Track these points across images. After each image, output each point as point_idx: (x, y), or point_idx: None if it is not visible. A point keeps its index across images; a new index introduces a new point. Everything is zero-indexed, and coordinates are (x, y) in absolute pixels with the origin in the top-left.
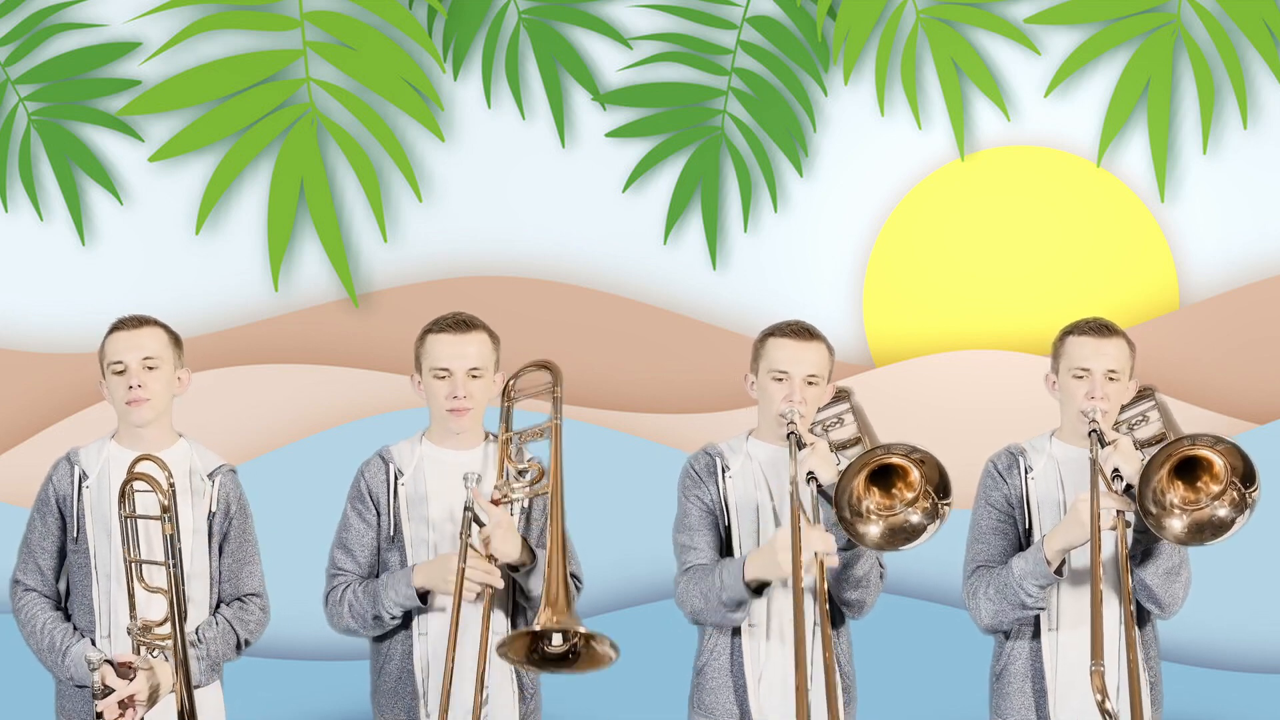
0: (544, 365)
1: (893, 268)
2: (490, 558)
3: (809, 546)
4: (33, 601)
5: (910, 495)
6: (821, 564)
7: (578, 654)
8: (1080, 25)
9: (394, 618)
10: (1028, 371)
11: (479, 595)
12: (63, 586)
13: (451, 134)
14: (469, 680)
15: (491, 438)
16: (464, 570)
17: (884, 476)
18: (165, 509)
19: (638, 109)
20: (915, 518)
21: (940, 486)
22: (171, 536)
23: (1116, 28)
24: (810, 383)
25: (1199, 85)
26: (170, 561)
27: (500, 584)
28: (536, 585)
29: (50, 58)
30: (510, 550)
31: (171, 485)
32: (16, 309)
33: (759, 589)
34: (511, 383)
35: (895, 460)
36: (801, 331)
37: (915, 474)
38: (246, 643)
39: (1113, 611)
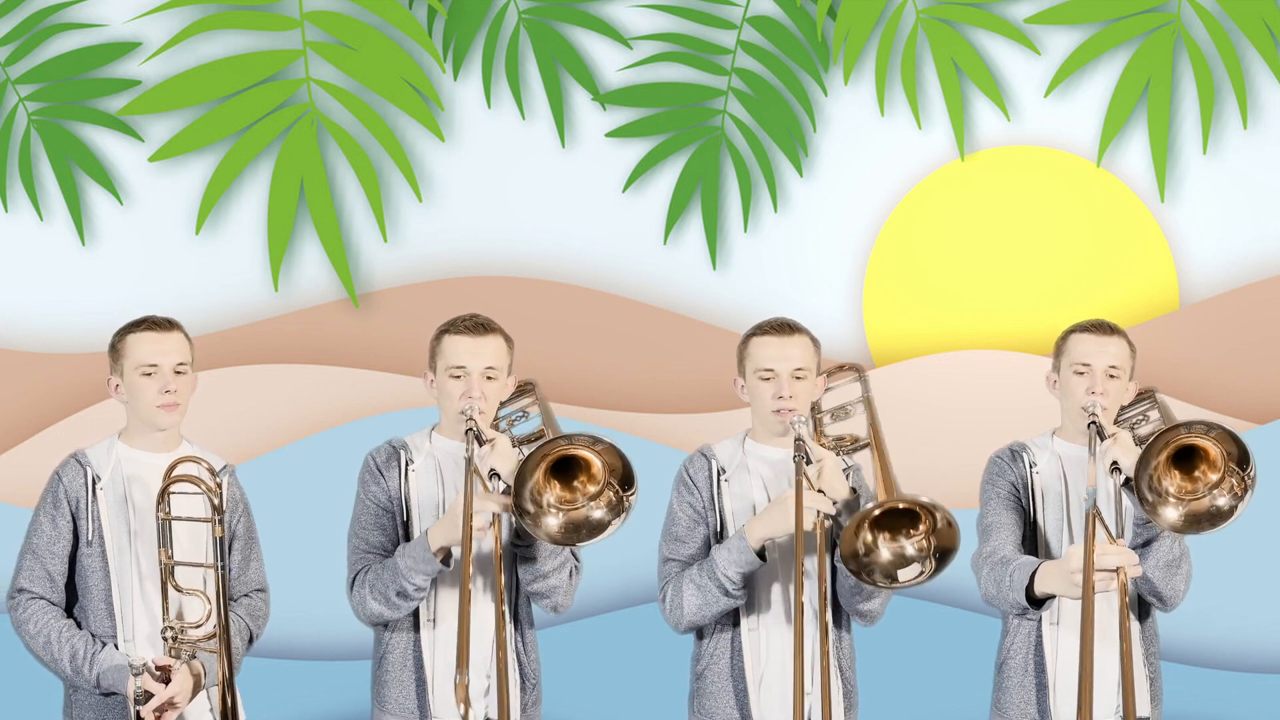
0: (524, 387)
1: (893, 268)
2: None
3: (812, 507)
4: (42, 610)
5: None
6: (823, 525)
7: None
8: (1080, 25)
9: (418, 589)
10: (1028, 371)
11: (490, 524)
12: (69, 592)
13: (451, 134)
14: (475, 669)
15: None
16: (472, 503)
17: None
18: (217, 509)
19: (638, 109)
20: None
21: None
22: (221, 539)
23: (1116, 28)
24: (797, 377)
25: (1199, 85)
26: (219, 564)
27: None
28: (545, 563)
29: (50, 58)
30: (507, 467)
31: (219, 486)
32: (16, 309)
33: (762, 553)
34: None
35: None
36: (782, 327)
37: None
38: (256, 636)
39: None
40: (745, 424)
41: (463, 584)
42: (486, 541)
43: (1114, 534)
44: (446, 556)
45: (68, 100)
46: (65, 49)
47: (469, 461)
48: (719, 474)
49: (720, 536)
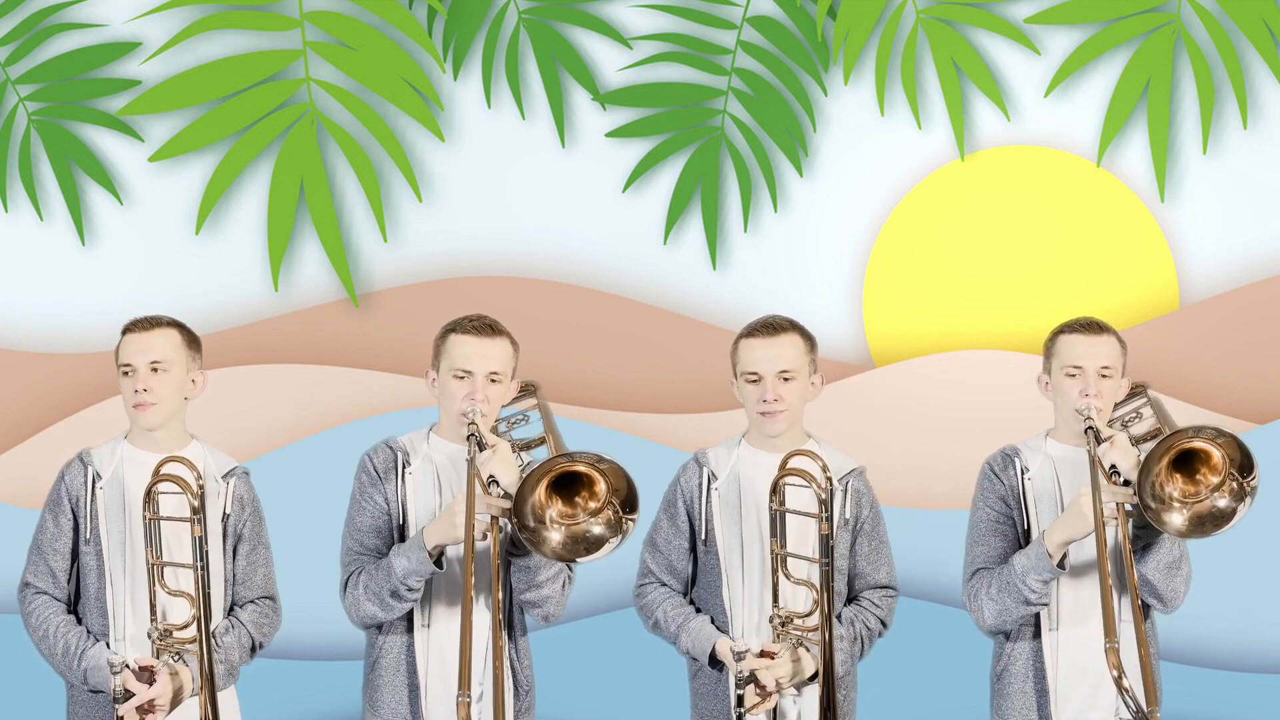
0: (526, 389)
1: (893, 268)
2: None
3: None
4: (44, 605)
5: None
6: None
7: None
8: (1080, 25)
9: (410, 590)
10: (1028, 371)
11: (486, 533)
12: (73, 589)
13: (451, 134)
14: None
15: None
16: (474, 507)
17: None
18: (195, 510)
19: (638, 109)
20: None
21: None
22: (200, 538)
23: (1116, 28)
24: (785, 378)
25: (1199, 85)
26: (199, 564)
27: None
28: (540, 572)
29: (50, 58)
30: (508, 475)
31: (201, 487)
32: (16, 309)
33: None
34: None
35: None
36: (767, 328)
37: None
38: (260, 645)
39: (1116, 605)
40: (745, 424)
41: (465, 598)
42: (483, 548)
43: (1119, 533)
44: (439, 557)
45: (68, 100)
46: (65, 49)
47: (470, 465)
48: (709, 482)
49: (707, 543)
